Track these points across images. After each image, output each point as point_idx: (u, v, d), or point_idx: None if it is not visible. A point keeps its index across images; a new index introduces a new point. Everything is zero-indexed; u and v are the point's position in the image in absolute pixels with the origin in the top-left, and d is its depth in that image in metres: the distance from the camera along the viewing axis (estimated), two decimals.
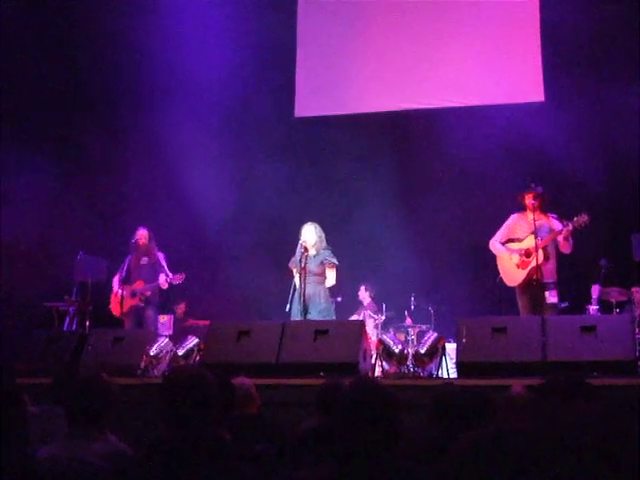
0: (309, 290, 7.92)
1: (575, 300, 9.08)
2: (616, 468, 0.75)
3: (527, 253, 7.79)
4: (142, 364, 7.02)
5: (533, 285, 7.64)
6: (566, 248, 7.77)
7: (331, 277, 8.21)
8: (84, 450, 3.13)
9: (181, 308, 11.35)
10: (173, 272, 9.23)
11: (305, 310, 7.82)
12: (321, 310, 7.99)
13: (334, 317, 8.47)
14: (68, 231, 10.78)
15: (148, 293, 9.30)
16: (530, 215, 7.85)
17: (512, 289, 8.02)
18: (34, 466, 3.10)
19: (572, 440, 0.77)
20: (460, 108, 11.08)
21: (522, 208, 8.02)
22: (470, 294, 9.84)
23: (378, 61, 11.56)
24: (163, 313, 10.11)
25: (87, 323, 9.54)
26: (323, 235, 8.30)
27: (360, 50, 11.68)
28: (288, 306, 7.90)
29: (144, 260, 9.38)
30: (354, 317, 10.09)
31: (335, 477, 2.32)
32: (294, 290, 8.04)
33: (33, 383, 5.74)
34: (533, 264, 7.66)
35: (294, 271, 8.22)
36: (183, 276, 9.18)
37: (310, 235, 8.20)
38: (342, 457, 2.35)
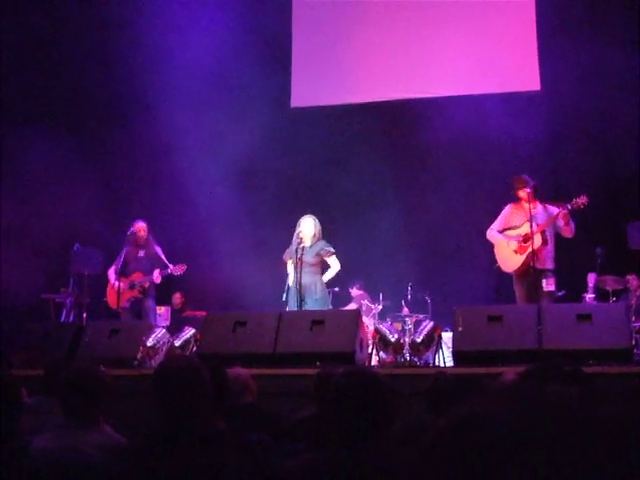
0: (305, 280, 7.93)
1: (571, 288, 9.08)
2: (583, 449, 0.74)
3: (525, 238, 7.77)
4: (139, 355, 7.02)
5: (530, 272, 7.62)
6: (567, 232, 7.73)
7: (334, 263, 8.24)
8: (78, 440, 3.13)
9: (177, 298, 11.34)
10: (172, 263, 9.12)
11: (301, 300, 7.83)
12: (317, 300, 7.99)
13: (330, 307, 8.49)
14: (64, 223, 10.76)
15: (146, 285, 9.11)
16: (526, 204, 7.85)
17: (509, 278, 8.01)
18: (27, 457, 3.10)
19: (541, 421, 0.76)
20: (457, 97, 11.06)
21: (517, 200, 8.03)
22: (467, 283, 9.84)
23: (374, 51, 11.54)
24: (160, 304, 10.05)
25: (84, 315, 9.53)
26: (320, 228, 8.30)
27: (356, 40, 11.65)
28: (284, 296, 7.92)
29: (141, 253, 9.25)
30: (350, 306, 10.10)
31: (328, 464, 2.32)
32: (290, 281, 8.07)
33: (30, 375, 5.76)
34: (531, 249, 7.64)
35: (288, 262, 8.24)
36: (184, 267, 9.00)
37: (309, 227, 8.21)
38: (334, 445, 2.36)
